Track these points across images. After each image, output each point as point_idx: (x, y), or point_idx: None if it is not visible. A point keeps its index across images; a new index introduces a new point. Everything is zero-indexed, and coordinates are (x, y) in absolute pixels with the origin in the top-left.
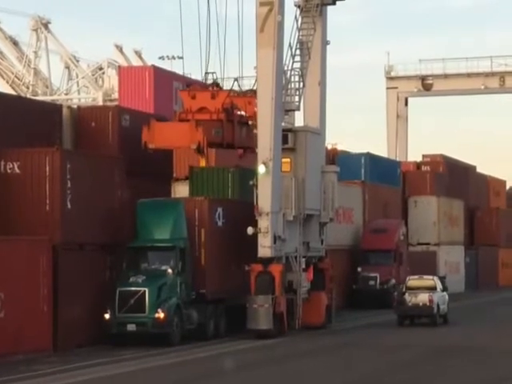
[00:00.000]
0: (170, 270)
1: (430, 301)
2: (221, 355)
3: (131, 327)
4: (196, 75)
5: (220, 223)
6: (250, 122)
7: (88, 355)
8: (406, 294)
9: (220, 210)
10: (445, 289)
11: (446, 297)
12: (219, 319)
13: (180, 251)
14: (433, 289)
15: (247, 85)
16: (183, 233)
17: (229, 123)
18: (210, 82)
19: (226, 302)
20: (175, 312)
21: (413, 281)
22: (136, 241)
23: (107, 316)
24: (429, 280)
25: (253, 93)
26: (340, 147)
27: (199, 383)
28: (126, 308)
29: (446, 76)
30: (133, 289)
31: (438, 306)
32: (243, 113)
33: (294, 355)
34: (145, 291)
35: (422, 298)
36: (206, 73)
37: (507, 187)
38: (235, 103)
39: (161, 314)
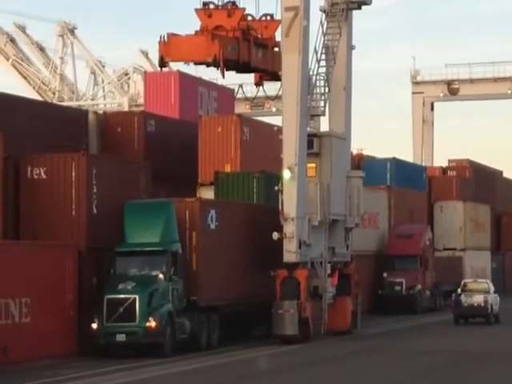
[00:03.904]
0: (161, 276)
1: (485, 301)
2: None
3: (121, 337)
4: (221, 80)
5: (213, 226)
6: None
7: (111, 361)
8: (462, 296)
9: (213, 212)
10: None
11: (498, 298)
12: (213, 329)
13: (172, 255)
14: (486, 291)
15: (273, 89)
16: (175, 236)
17: (245, 42)
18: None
19: (221, 310)
20: (167, 321)
21: (468, 284)
22: (124, 245)
23: (94, 326)
24: (483, 283)
25: (269, 17)
26: (365, 152)
27: None
28: (114, 317)
29: (472, 80)
30: (122, 296)
31: (491, 306)
32: (259, 36)
33: (318, 361)
34: (135, 298)
35: (477, 299)
36: None
37: None
38: (251, 25)
39: (152, 323)
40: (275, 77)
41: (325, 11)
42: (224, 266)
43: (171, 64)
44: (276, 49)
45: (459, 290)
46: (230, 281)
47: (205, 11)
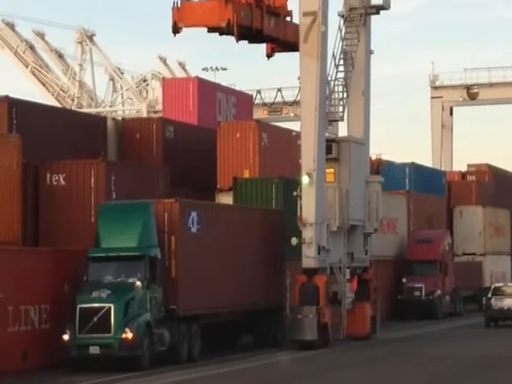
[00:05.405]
0: (138, 283)
1: None
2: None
3: (94, 350)
4: (240, 86)
5: (194, 229)
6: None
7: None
8: (493, 299)
9: (194, 214)
10: None
11: None
12: (194, 340)
13: (150, 261)
14: None
15: (291, 96)
16: (153, 240)
17: (257, 9)
18: None
19: (203, 320)
20: (145, 332)
21: (499, 287)
22: (98, 249)
23: (66, 337)
24: None
25: None
26: (384, 157)
27: None
28: (88, 328)
29: (491, 85)
30: (96, 305)
31: None
32: (272, 4)
33: (337, 367)
34: (110, 308)
35: (508, 302)
36: None
37: None
38: None
39: (129, 334)
40: (287, 47)
41: (343, 16)
42: (207, 272)
43: (189, 70)
44: (288, 18)
45: (490, 294)
46: (214, 288)
47: None
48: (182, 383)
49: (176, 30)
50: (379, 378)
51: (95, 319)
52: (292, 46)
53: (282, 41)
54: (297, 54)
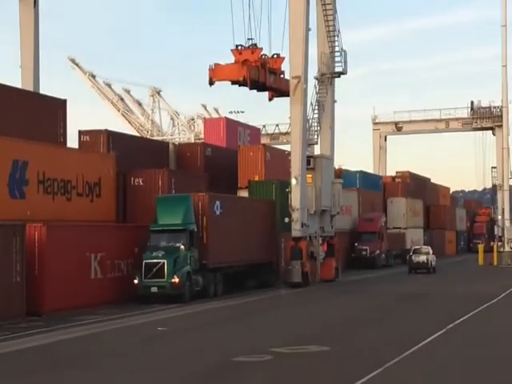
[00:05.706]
0: (182, 247)
1: (427, 260)
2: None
3: (154, 289)
4: (252, 122)
5: (218, 212)
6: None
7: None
8: (413, 255)
9: (218, 202)
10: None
11: (435, 258)
12: (218, 283)
13: (189, 232)
14: (428, 253)
15: (285, 128)
16: (191, 219)
17: (262, 69)
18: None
19: (224, 270)
20: (186, 278)
21: (416, 248)
22: (156, 225)
23: (136, 281)
24: (426, 248)
25: (277, 55)
26: (344, 167)
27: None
28: (150, 275)
29: (411, 121)
30: (155, 261)
31: (431, 262)
32: (271, 66)
33: (315, 298)
34: (164, 262)
35: (422, 258)
36: (248, 39)
37: (450, 192)
38: (266, 59)
39: (176, 279)
40: (281, 94)
41: (317, 78)
42: (226, 239)
43: (221, 113)
44: (282, 75)
45: (411, 252)
46: (231, 249)
47: (237, 50)
48: (210, 310)
49: (211, 82)
50: (341, 305)
51: (154, 270)
52: (284, 93)
53: (278, 90)
54: (288, 99)
